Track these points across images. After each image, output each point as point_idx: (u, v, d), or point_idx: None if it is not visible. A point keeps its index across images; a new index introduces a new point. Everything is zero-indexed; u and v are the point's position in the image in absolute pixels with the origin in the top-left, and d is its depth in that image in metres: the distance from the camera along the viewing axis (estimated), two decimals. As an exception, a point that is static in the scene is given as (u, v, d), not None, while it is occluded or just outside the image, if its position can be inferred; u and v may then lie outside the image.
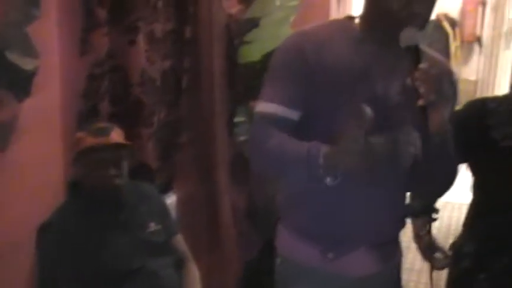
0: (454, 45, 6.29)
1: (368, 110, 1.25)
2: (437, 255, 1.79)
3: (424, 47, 1.44)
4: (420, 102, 1.29)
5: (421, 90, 1.29)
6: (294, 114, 1.46)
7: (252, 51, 2.93)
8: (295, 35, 1.53)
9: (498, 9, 5.39)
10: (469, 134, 1.66)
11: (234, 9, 3.13)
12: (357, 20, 1.53)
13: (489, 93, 5.55)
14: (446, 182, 1.54)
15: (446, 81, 1.34)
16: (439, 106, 1.31)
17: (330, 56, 1.44)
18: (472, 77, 6.36)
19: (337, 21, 1.60)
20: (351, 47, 1.47)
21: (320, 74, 1.43)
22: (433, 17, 5.14)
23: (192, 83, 2.73)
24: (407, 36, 1.35)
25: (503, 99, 1.71)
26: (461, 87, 5.16)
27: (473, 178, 1.75)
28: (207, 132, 2.79)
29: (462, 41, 6.41)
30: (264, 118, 1.48)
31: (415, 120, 1.36)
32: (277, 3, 3.11)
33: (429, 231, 1.84)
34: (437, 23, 6.35)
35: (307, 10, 3.06)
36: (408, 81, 1.32)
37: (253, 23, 3.11)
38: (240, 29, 3.09)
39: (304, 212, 1.54)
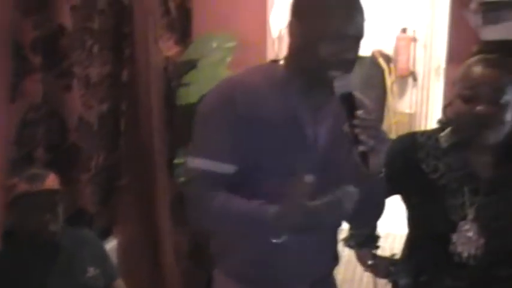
0: (389, 80, 6.50)
1: (308, 178, 1.26)
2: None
3: (355, 93, 1.47)
4: (361, 148, 1.31)
5: (361, 137, 1.30)
6: (228, 168, 1.43)
7: (190, 93, 2.95)
8: (222, 84, 1.49)
9: (427, 46, 5.64)
10: (401, 167, 1.71)
11: (172, 51, 3.17)
12: (281, 63, 1.53)
13: (424, 125, 5.74)
14: (378, 212, 1.57)
15: (381, 126, 1.38)
16: (378, 150, 1.34)
17: (258, 105, 1.43)
18: (408, 110, 6.58)
19: (262, 67, 1.59)
20: (278, 93, 1.47)
21: (250, 123, 1.42)
22: (369, 53, 5.31)
23: (130, 126, 2.73)
24: (341, 84, 1.37)
25: (431, 133, 1.77)
26: (398, 120, 5.33)
27: (406, 210, 1.80)
28: (146, 175, 2.78)
29: (397, 76, 6.63)
30: (199, 175, 1.45)
31: (346, 163, 1.38)
32: (214, 45, 3.16)
33: (375, 257, 1.89)
34: (373, 59, 6.56)
35: (244, 51, 3.11)
36: (345, 127, 1.33)
37: (191, 65, 3.15)
38: (178, 71, 3.12)
39: (239, 258, 1.53)
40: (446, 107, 1.70)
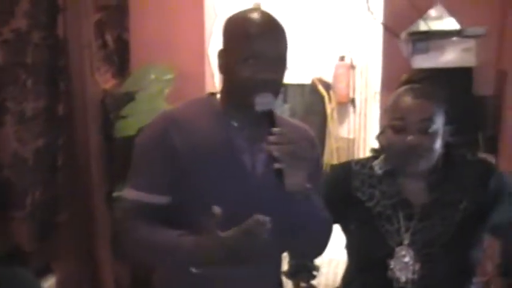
0: (329, 107, 6.62)
1: (217, 210, 1.27)
2: None
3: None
4: (276, 165, 1.32)
5: (275, 153, 1.31)
6: (162, 199, 1.46)
7: (129, 126, 2.93)
8: (157, 117, 1.52)
9: (364, 73, 5.79)
10: (337, 197, 1.74)
11: (109, 83, 3.14)
12: (218, 96, 1.56)
13: (363, 149, 5.86)
14: (319, 241, 1.57)
15: (302, 144, 1.37)
16: (295, 168, 1.34)
17: (194, 137, 1.46)
18: (349, 135, 6.70)
19: (200, 99, 1.62)
20: (214, 124, 1.49)
21: (186, 155, 1.44)
22: (309, 81, 5.40)
23: (67, 161, 2.68)
24: (261, 101, 1.39)
25: (366, 161, 1.81)
26: (339, 145, 5.43)
27: (345, 238, 1.82)
28: (85, 209, 2.73)
29: (337, 103, 6.75)
30: (132, 206, 1.46)
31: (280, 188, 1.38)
32: (152, 76, 3.16)
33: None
34: (313, 87, 6.68)
35: (183, 83, 3.12)
36: (264, 146, 1.34)
37: (129, 97, 3.13)
38: (116, 104, 3.09)
39: None
40: (379, 135, 1.75)
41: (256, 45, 1.41)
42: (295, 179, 1.35)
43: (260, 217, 1.28)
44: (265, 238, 1.28)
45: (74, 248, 2.76)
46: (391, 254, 1.63)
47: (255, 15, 1.45)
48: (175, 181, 1.45)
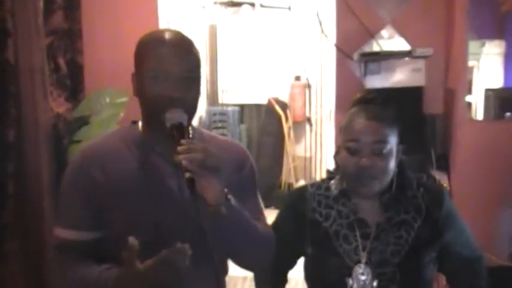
0: (286, 126, 6.67)
1: (132, 241, 1.26)
2: None
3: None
4: (187, 175, 1.30)
5: (183, 162, 1.30)
6: (89, 235, 1.46)
7: (82, 150, 2.89)
8: (77, 154, 1.52)
9: (318, 92, 5.86)
10: (295, 220, 1.75)
11: (62, 108, 3.09)
12: (140, 123, 1.55)
13: (319, 168, 5.91)
14: (255, 252, 1.57)
15: (213, 154, 1.36)
16: (206, 178, 1.32)
17: (114, 168, 1.45)
18: (305, 154, 6.76)
19: (120, 129, 1.62)
20: (135, 152, 1.49)
21: (108, 188, 1.44)
22: (265, 101, 5.45)
23: (18, 188, 2.61)
24: (170, 117, 1.39)
25: (321, 182, 1.83)
26: (297, 164, 5.47)
27: (304, 261, 1.81)
28: (36, 239, 2.65)
29: (294, 122, 6.81)
30: (61, 245, 1.48)
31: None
32: (107, 100, 3.13)
33: None
34: (269, 106, 6.73)
35: (137, 106, 3.09)
36: (175, 158, 1.32)
37: (83, 122, 3.09)
38: (69, 128, 3.05)
39: None
40: (335, 155, 1.77)
41: (160, 62, 1.42)
42: (208, 189, 1.32)
43: (180, 246, 1.27)
44: (186, 266, 1.28)
45: (24, 279, 2.68)
46: (349, 273, 1.64)
47: (161, 35, 1.47)
48: (100, 215, 1.45)
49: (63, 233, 1.47)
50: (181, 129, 1.39)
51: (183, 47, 1.47)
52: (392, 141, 1.64)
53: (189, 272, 1.30)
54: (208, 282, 1.50)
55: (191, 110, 1.47)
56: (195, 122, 5.49)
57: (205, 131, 1.69)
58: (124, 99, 3.09)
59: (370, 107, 1.68)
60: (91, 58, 3.37)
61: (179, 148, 1.31)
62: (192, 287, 1.41)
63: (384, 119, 1.65)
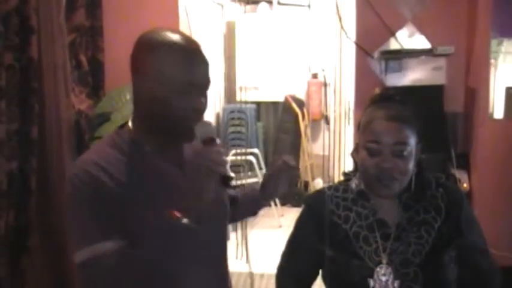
0: (303, 124, 6.67)
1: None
2: None
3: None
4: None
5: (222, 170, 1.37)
6: (115, 244, 1.37)
7: (104, 146, 2.91)
8: (77, 167, 1.42)
9: (337, 90, 5.85)
10: (315, 223, 1.74)
11: (84, 104, 3.13)
12: (129, 127, 1.50)
13: (337, 166, 5.90)
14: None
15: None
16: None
17: (121, 173, 1.41)
18: (323, 152, 6.75)
19: (108, 137, 1.53)
20: (136, 157, 1.45)
21: (120, 193, 1.39)
22: (282, 99, 5.45)
23: (41, 184, 2.64)
24: (202, 130, 1.41)
25: (338, 185, 1.82)
26: (313, 162, 5.46)
27: (322, 268, 1.80)
28: (59, 235, 2.68)
29: (310, 120, 6.81)
30: (98, 265, 1.36)
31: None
32: (128, 97, 3.15)
33: None
34: (286, 104, 6.73)
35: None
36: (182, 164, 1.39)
37: (104, 118, 3.12)
38: (91, 125, 3.08)
39: None
40: (353, 152, 1.76)
41: (192, 75, 1.41)
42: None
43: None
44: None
45: (47, 274, 2.71)
46: (370, 274, 1.64)
47: (182, 41, 1.43)
48: (118, 223, 1.38)
49: (88, 251, 1.35)
50: (213, 143, 1.40)
51: (203, 54, 1.46)
52: (413, 142, 1.63)
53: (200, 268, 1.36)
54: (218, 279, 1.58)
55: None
56: (211, 119, 5.52)
57: None
58: (145, 96, 3.10)
59: (390, 106, 1.66)
60: (111, 55, 3.40)
61: (218, 159, 1.36)
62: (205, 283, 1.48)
63: (404, 119, 1.63)
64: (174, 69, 1.40)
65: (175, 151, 1.50)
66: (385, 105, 1.67)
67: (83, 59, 3.17)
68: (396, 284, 1.62)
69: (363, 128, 1.68)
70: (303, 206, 1.87)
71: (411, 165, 1.63)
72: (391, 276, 1.62)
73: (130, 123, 1.49)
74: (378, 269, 1.63)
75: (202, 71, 1.43)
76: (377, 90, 1.75)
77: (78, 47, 3.16)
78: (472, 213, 1.75)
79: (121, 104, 3.12)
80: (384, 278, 1.62)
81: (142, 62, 1.42)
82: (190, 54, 1.42)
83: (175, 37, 1.43)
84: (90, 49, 3.28)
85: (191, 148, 1.51)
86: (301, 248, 1.65)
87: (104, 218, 1.37)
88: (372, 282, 1.63)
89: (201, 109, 1.44)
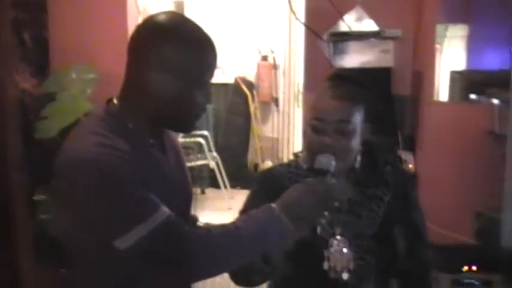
0: (253, 106, 6.68)
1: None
2: None
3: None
4: None
5: None
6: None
7: (50, 127, 2.85)
8: (94, 155, 1.27)
9: (286, 72, 5.88)
10: (270, 199, 1.75)
11: (28, 83, 3.04)
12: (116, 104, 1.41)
13: (287, 149, 5.95)
14: None
15: None
16: None
17: (134, 157, 1.32)
18: (272, 135, 6.78)
19: (103, 121, 1.39)
20: (136, 145, 1.36)
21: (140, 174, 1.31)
22: (232, 80, 5.45)
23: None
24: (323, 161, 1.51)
25: (290, 162, 1.84)
26: (263, 145, 5.47)
27: None
28: (4, 214, 2.62)
29: (260, 102, 6.82)
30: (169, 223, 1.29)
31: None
32: (74, 76, 3.08)
33: None
34: (236, 86, 6.72)
35: (105, 83, 3.05)
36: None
37: (50, 98, 3.04)
38: (36, 104, 2.99)
39: None
40: (304, 134, 1.78)
41: (212, 72, 1.40)
42: None
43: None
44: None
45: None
46: (325, 246, 1.67)
47: (206, 35, 1.40)
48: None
49: (161, 213, 1.27)
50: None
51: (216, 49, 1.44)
52: (357, 120, 1.66)
53: None
54: None
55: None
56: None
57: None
58: (92, 76, 3.04)
59: (338, 86, 1.69)
60: (57, 34, 3.30)
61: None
62: None
63: (348, 97, 1.66)
64: (201, 66, 1.36)
65: (161, 139, 1.46)
66: (332, 84, 1.69)
67: (27, 36, 3.07)
68: (350, 255, 1.66)
69: (310, 107, 1.71)
70: (256, 181, 1.88)
71: (355, 144, 1.66)
72: (346, 247, 1.66)
73: (115, 102, 1.39)
74: (332, 240, 1.67)
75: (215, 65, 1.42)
76: (331, 71, 1.77)
77: (22, 24, 3.05)
78: (417, 197, 1.81)
79: (67, 83, 3.05)
80: (338, 249, 1.66)
81: (160, 54, 1.34)
82: (214, 50, 1.39)
83: (199, 30, 1.40)
84: (34, 27, 3.17)
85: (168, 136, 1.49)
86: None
87: (147, 192, 1.29)
88: (326, 253, 1.67)
89: (208, 103, 1.43)
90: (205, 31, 1.42)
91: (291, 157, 1.92)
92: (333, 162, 1.53)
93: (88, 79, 3.04)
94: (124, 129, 1.36)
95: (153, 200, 1.28)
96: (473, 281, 2.22)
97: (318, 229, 1.64)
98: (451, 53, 3.38)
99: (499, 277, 2.23)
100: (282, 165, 1.85)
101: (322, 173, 1.50)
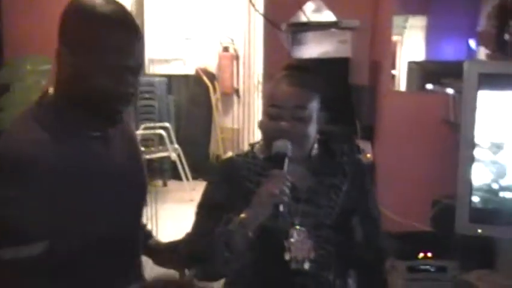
0: (214, 97, 6.65)
1: None
2: None
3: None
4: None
5: None
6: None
7: (4, 118, 2.79)
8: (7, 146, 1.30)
9: (246, 63, 5.87)
10: (228, 189, 1.75)
11: (-20, 75, 2.97)
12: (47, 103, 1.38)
13: (248, 139, 5.95)
14: None
15: None
16: None
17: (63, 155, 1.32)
18: (234, 126, 6.78)
19: (35, 113, 1.39)
20: (66, 137, 1.36)
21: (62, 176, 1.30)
22: (193, 71, 5.41)
23: None
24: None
25: (247, 152, 1.84)
26: (225, 136, 5.49)
27: None
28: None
29: (222, 93, 6.80)
30: None
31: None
32: (28, 67, 3.02)
33: None
34: (197, 77, 6.68)
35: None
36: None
37: (4, 89, 2.98)
38: (-12, 96, 2.93)
39: None
40: (260, 123, 1.78)
41: (119, 57, 1.34)
42: None
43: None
44: None
45: None
46: (285, 236, 1.67)
47: (119, 14, 1.36)
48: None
49: None
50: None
51: (137, 36, 1.39)
52: (313, 107, 1.68)
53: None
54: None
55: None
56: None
57: None
58: (48, 67, 2.99)
59: (294, 74, 1.71)
60: (10, 24, 3.22)
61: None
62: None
63: (304, 85, 1.68)
64: (108, 47, 1.31)
65: (104, 131, 1.42)
66: (288, 73, 1.71)
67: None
68: (310, 244, 1.67)
69: (266, 95, 1.72)
70: (214, 171, 1.88)
71: (311, 130, 1.68)
72: (305, 237, 1.67)
73: (51, 90, 1.39)
74: (291, 230, 1.67)
75: (135, 55, 1.35)
76: (287, 61, 1.78)
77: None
78: (373, 187, 1.84)
79: (22, 74, 2.99)
80: (298, 239, 1.67)
81: (70, 33, 1.33)
82: (122, 33, 1.33)
83: (111, 9, 1.33)
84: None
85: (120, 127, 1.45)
86: (212, 215, 1.66)
87: None
88: (286, 244, 1.67)
89: (130, 93, 1.36)
90: (125, 15, 1.37)
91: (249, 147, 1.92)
92: (290, 146, 1.54)
93: (43, 70, 2.99)
94: (51, 121, 1.33)
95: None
96: (428, 267, 2.26)
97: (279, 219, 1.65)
98: (411, 44, 3.42)
99: (453, 262, 2.28)
100: (239, 155, 1.86)
101: (280, 157, 1.52)
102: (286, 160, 1.58)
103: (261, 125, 1.74)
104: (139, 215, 1.60)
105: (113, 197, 1.38)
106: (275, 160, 1.57)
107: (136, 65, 1.37)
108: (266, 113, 1.69)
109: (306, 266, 1.67)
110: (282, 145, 1.59)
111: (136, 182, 1.53)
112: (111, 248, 1.37)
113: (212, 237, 1.56)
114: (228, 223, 1.56)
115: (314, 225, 1.69)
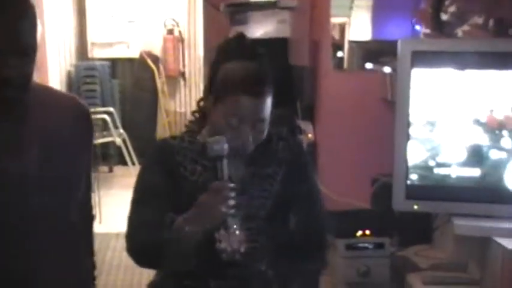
0: (159, 81, 6.57)
1: None
2: None
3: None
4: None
5: None
6: None
7: None
8: None
9: (191, 46, 5.80)
10: (164, 173, 1.70)
11: None
12: None
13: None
14: None
15: None
16: None
17: None
18: (181, 109, 6.71)
19: None
20: None
21: None
22: (137, 55, 5.30)
23: None
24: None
25: (183, 135, 1.78)
26: (171, 120, 5.40)
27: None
28: None
29: (167, 77, 6.72)
30: None
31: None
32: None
33: None
34: (142, 60, 6.58)
35: None
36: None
37: None
38: None
39: None
40: (204, 103, 1.72)
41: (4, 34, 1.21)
42: None
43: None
44: None
45: None
46: (218, 228, 1.64)
47: None
48: None
49: None
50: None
51: (22, 16, 1.24)
52: (270, 111, 1.66)
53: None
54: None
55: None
56: (63, 77, 5.25)
57: (38, 85, 1.49)
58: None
59: (250, 70, 1.64)
60: None
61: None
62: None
63: (267, 92, 1.63)
64: None
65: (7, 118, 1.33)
66: (245, 68, 1.63)
67: None
68: (242, 236, 1.64)
69: (223, 91, 1.64)
70: (148, 154, 1.82)
71: (266, 132, 1.67)
72: (238, 228, 1.64)
73: None
74: (224, 222, 1.64)
75: (22, 32, 1.22)
76: (231, 43, 1.72)
77: None
78: (312, 168, 1.82)
79: None
80: (230, 231, 1.64)
81: None
82: (3, 9, 1.20)
83: None
84: None
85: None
86: (150, 198, 1.63)
87: None
88: (217, 235, 1.64)
89: (12, 79, 1.23)
90: None
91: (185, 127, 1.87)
92: (225, 147, 1.52)
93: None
94: None
95: None
96: (366, 244, 2.28)
97: None
98: (358, 25, 3.41)
99: (389, 240, 2.31)
100: (174, 137, 1.80)
101: (216, 159, 1.52)
102: (225, 162, 1.56)
103: (215, 121, 1.67)
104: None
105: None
106: (213, 163, 1.55)
107: (23, 46, 1.24)
108: (224, 119, 1.64)
109: (237, 257, 1.65)
110: (219, 148, 1.55)
111: (56, 173, 1.44)
112: None
113: (161, 241, 1.57)
114: (171, 224, 1.56)
115: (246, 216, 1.66)
